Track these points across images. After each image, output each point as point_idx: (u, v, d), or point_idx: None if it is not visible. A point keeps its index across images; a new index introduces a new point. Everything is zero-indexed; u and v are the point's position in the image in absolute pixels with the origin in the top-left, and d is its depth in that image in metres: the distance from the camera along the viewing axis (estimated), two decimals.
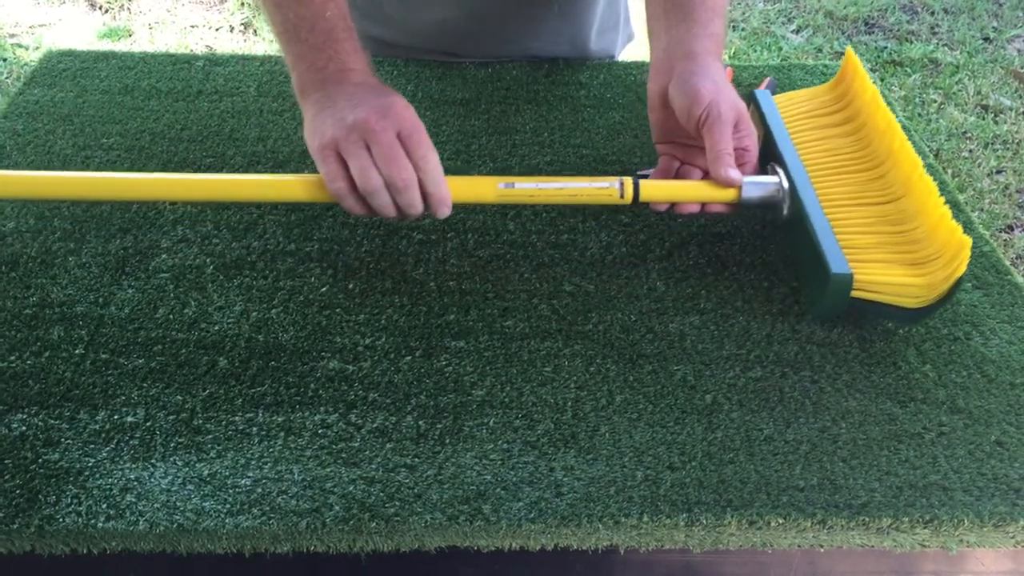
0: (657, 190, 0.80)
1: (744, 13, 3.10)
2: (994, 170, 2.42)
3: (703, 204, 0.81)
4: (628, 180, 0.79)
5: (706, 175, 0.81)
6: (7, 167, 0.92)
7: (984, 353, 0.76)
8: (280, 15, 0.80)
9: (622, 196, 0.78)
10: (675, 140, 0.85)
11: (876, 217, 0.78)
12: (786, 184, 0.80)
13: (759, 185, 0.80)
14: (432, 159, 0.74)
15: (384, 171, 0.72)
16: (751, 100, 0.92)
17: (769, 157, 0.85)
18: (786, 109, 0.92)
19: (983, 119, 2.61)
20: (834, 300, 0.75)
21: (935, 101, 2.68)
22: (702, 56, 0.81)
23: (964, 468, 0.67)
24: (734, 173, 0.78)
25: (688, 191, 0.80)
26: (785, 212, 0.81)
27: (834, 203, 0.80)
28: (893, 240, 0.76)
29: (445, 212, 0.75)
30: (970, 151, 2.49)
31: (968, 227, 0.88)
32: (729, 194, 0.79)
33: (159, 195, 0.82)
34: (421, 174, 0.73)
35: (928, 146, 2.46)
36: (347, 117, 0.73)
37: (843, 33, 3.02)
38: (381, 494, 0.64)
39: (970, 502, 0.64)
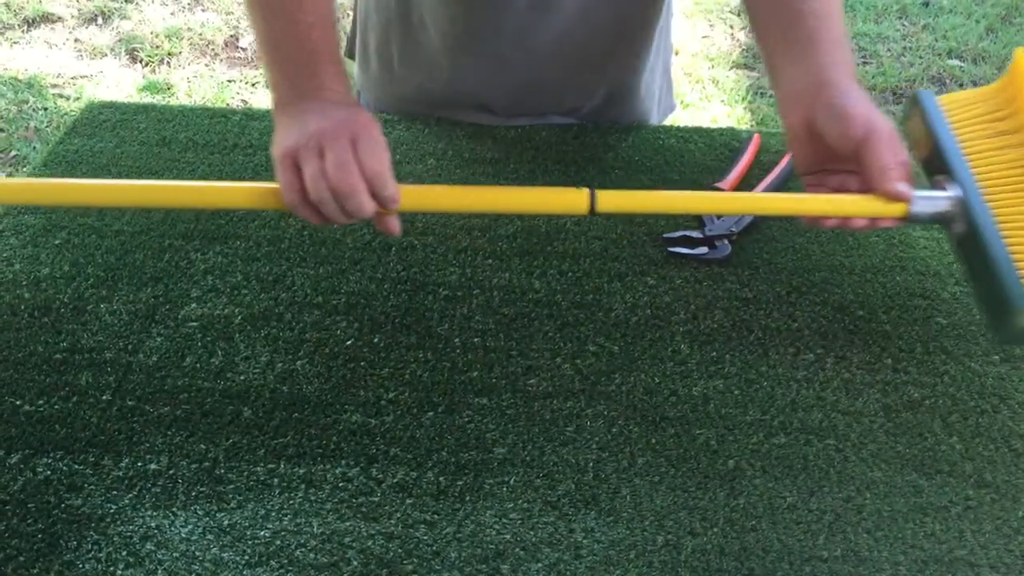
0: (824, 204, 0.77)
1: None
2: None
3: (872, 219, 0.78)
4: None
5: None
6: (44, 213, 0.94)
7: (1012, 427, 0.75)
8: (267, 27, 0.80)
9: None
10: (824, 169, 0.82)
11: None
12: (961, 199, 0.77)
13: (930, 200, 0.77)
14: (376, 157, 0.72)
15: (332, 178, 0.71)
16: (914, 102, 0.88)
17: (936, 168, 0.81)
18: (952, 113, 0.87)
19: None
20: (1018, 332, 0.72)
21: None
22: (843, 81, 0.79)
23: (991, 544, 0.66)
24: (903, 187, 0.75)
25: (853, 206, 0.77)
26: (957, 231, 0.78)
27: (1010, 224, 0.76)
28: None
29: (393, 207, 0.74)
30: None
31: None
32: (897, 209, 0.76)
33: (103, 200, 0.80)
34: (367, 174, 0.71)
35: None
36: (310, 126, 0.73)
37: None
38: (399, 550, 0.63)
39: None
